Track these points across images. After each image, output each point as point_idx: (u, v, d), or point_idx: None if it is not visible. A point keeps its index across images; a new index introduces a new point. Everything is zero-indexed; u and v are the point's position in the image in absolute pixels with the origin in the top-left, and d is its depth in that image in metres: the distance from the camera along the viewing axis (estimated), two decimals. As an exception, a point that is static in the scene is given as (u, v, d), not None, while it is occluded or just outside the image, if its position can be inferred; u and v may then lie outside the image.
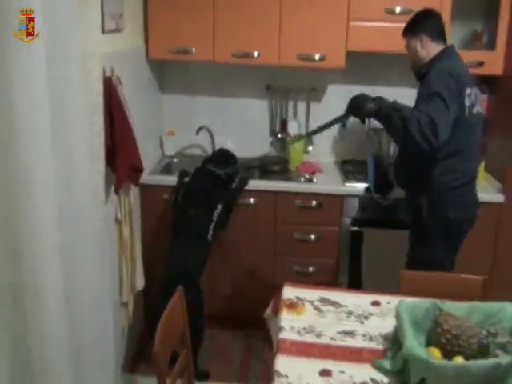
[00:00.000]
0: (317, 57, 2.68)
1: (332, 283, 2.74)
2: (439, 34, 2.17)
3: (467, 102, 2.07)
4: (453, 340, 1.44)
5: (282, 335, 1.59)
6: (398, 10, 2.59)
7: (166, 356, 1.47)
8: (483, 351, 1.43)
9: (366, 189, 2.66)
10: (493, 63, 2.66)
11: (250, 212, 2.73)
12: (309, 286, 1.91)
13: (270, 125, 3.14)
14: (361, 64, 2.94)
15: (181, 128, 3.13)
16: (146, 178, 2.65)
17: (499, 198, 2.64)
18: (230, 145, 3.09)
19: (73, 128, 1.65)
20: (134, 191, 2.46)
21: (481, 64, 2.65)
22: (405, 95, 2.96)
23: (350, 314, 1.74)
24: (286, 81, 3.05)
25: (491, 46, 2.69)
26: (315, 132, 2.64)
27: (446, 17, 2.55)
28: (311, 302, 1.79)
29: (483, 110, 2.21)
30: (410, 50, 2.23)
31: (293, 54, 2.69)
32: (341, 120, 2.43)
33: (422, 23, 2.17)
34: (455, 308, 1.56)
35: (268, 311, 1.93)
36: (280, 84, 3.05)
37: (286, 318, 1.69)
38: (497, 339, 1.44)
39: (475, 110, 2.14)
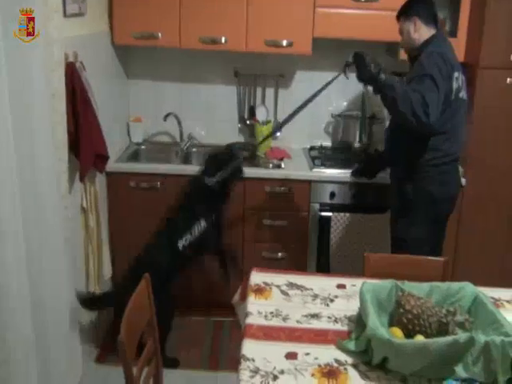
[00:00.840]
0: (284, 43, 2.68)
1: (301, 268, 2.77)
2: (432, 19, 2.21)
3: (454, 85, 2.13)
4: (414, 320, 1.48)
5: (249, 320, 1.60)
6: (363, -3, 2.58)
7: (132, 345, 1.47)
8: (443, 330, 1.48)
9: (354, 172, 2.69)
10: (455, 50, 2.68)
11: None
12: (276, 271, 1.92)
13: (239, 111, 3.13)
14: (328, 51, 2.95)
15: (148, 114, 3.09)
16: (112, 165, 2.61)
17: (461, 181, 2.67)
18: (197, 130, 3.07)
19: (34, 115, 1.61)
20: (101, 179, 2.43)
21: None
22: None
23: (315, 297, 1.77)
24: (254, 67, 3.04)
25: (453, 33, 2.73)
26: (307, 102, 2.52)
27: None
28: (278, 287, 1.81)
29: (467, 97, 2.27)
30: (403, 34, 2.27)
31: (260, 39, 2.67)
32: (334, 79, 2.42)
33: (416, 7, 2.21)
34: (416, 288, 1.60)
35: (236, 297, 1.94)
36: (248, 70, 3.04)
37: (254, 303, 1.70)
38: (455, 318, 1.49)
39: (461, 95, 2.19)
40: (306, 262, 2.85)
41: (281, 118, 3.09)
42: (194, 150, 3.10)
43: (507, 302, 1.81)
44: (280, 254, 2.81)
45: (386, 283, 1.61)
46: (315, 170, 2.77)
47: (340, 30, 2.66)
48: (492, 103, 2.67)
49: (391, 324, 1.55)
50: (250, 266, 2.71)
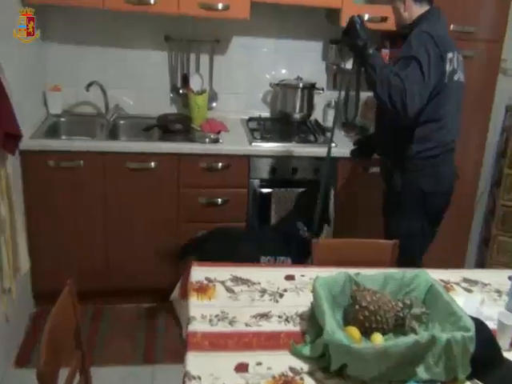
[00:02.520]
0: (220, 6, 2.39)
1: None
2: None
3: (448, 68, 1.92)
4: (371, 316, 1.37)
5: (193, 327, 1.39)
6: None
7: (55, 371, 1.20)
8: (400, 324, 1.40)
9: (351, 152, 2.42)
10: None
11: (149, 177, 2.45)
12: (219, 264, 1.71)
13: (171, 79, 2.81)
14: (267, 16, 2.71)
15: (68, 83, 2.69)
16: (27, 142, 2.23)
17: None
18: (125, 100, 2.71)
19: None
20: (13, 160, 2.05)
21: (384, 19, 2.56)
22: (311, 48, 2.85)
23: (263, 292, 1.59)
24: (186, 31, 2.72)
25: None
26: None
27: None
28: (223, 283, 1.60)
29: (464, 79, 2.04)
30: (394, 12, 2.08)
31: (194, 2, 2.36)
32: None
33: None
34: (370, 280, 1.49)
35: (175, 293, 1.71)
36: (180, 35, 2.71)
37: (196, 305, 1.49)
38: (412, 311, 1.41)
39: (456, 77, 1.98)
40: None
41: (216, 86, 2.84)
42: (121, 122, 2.75)
43: (456, 284, 1.75)
44: None
45: (340, 276, 1.47)
46: (254, 144, 2.55)
47: None
48: None
49: (346, 321, 1.43)
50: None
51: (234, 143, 2.54)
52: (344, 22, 2.43)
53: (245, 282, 1.62)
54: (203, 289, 1.55)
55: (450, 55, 1.92)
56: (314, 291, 1.41)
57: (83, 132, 2.62)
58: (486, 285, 1.76)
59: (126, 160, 2.38)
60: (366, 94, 2.98)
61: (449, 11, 2.28)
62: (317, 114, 2.94)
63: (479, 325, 1.35)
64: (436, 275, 1.65)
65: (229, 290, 1.57)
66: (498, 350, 1.40)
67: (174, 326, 2.43)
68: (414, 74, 1.81)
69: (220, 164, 2.48)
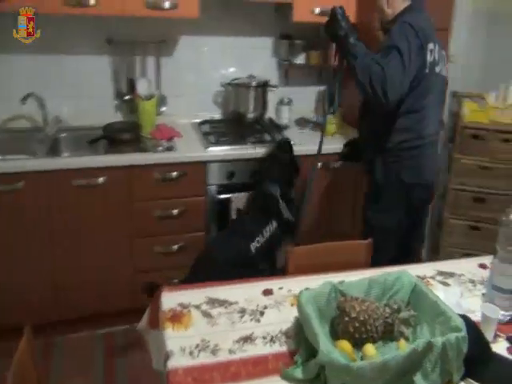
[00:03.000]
0: (167, 5, 2.25)
1: None
2: None
3: (429, 58, 1.94)
4: (361, 327, 1.32)
5: (172, 363, 1.26)
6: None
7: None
8: (388, 330, 1.36)
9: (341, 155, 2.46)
10: (347, 11, 2.49)
11: (98, 194, 2.28)
12: (191, 286, 1.58)
13: (115, 85, 2.63)
14: (215, 12, 2.60)
15: (-1, 96, 2.44)
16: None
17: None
18: (65, 111, 2.50)
19: None
20: None
21: None
22: (262, 45, 2.81)
23: (243, 312, 1.49)
24: (130, 33, 2.56)
25: None
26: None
27: None
28: (198, 307, 1.48)
29: (447, 73, 2.05)
30: (377, 8, 2.09)
31: (139, 1, 2.21)
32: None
33: None
34: (355, 287, 1.44)
35: (143, 323, 1.57)
36: (123, 36, 2.55)
37: (173, 337, 1.36)
38: (400, 315, 1.37)
39: (437, 70, 1.99)
40: None
41: (165, 89, 2.69)
42: (62, 135, 2.53)
43: (432, 278, 1.73)
44: (175, 247, 2.48)
45: (324, 287, 1.40)
46: (211, 149, 2.44)
47: None
48: None
49: (335, 333, 1.36)
50: (143, 264, 2.42)
51: (189, 149, 2.42)
52: (296, 17, 2.42)
53: (222, 303, 1.51)
54: (178, 317, 1.43)
55: (430, 46, 1.95)
56: (299, 308, 1.33)
57: (20, 150, 2.36)
58: (459, 275, 1.77)
59: (71, 177, 2.20)
60: (316, 88, 2.96)
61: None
62: (270, 112, 2.86)
63: (466, 321, 1.32)
64: (411, 271, 1.62)
65: (206, 314, 1.45)
66: (487, 345, 1.39)
67: (137, 353, 2.28)
68: (395, 62, 1.83)
69: (175, 173, 2.35)
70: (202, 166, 2.40)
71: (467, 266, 1.82)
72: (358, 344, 1.32)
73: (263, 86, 2.68)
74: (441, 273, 1.77)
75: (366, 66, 1.85)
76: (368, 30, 2.47)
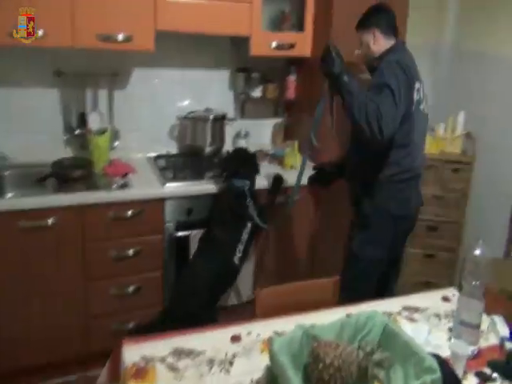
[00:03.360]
0: (120, 37, 2.19)
1: (157, 298, 2.43)
2: (391, 30, 2.13)
3: (415, 97, 2.02)
4: (336, 373, 1.27)
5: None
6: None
7: None
8: (363, 374, 1.31)
9: (309, 178, 2.48)
10: (302, 45, 2.61)
11: (48, 236, 2.15)
12: (154, 337, 1.49)
13: (64, 119, 2.52)
14: (169, 44, 2.55)
15: None
16: None
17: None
18: (10, 148, 2.37)
19: None
20: None
21: (292, 46, 2.58)
22: (218, 78, 2.80)
23: (211, 363, 1.42)
24: (80, 65, 2.47)
25: (299, 27, 2.62)
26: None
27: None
28: (163, 360, 1.40)
29: (428, 110, 2.15)
30: (362, 45, 2.17)
31: (90, 33, 2.14)
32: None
33: (375, 18, 2.12)
34: (327, 330, 1.40)
35: (101, 378, 1.46)
36: (74, 69, 2.46)
37: (137, 396, 1.25)
38: (373, 357, 1.33)
39: (421, 107, 2.08)
40: (163, 290, 2.47)
41: (118, 123, 2.61)
42: (7, 173, 2.38)
43: (398, 314, 1.74)
44: (131, 288, 2.37)
45: (296, 333, 1.36)
46: (168, 185, 2.37)
47: (184, 23, 2.30)
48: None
49: (307, 380, 1.31)
50: (97, 309, 2.30)
51: (145, 186, 2.34)
52: (254, 51, 2.44)
53: (188, 353, 1.43)
54: (141, 373, 1.33)
55: (417, 85, 2.04)
56: (272, 357, 1.27)
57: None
58: (424, 310, 1.78)
59: (17, 219, 2.06)
60: (273, 121, 2.98)
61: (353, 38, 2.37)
62: (227, 145, 2.83)
63: (438, 361, 1.32)
64: (377, 307, 1.66)
65: (171, 368, 1.37)
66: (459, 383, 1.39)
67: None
68: (387, 100, 1.89)
69: (130, 211, 2.26)
70: (159, 203, 2.33)
71: (431, 300, 1.84)
72: (331, 390, 1.28)
73: (220, 119, 2.66)
74: (406, 308, 1.78)
75: (362, 104, 1.88)
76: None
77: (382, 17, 2.13)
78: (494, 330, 1.64)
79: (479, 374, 1.48)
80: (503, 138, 2.89)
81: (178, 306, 2.17)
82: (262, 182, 2.50)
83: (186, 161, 2.69)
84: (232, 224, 2.26)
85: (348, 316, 1.63)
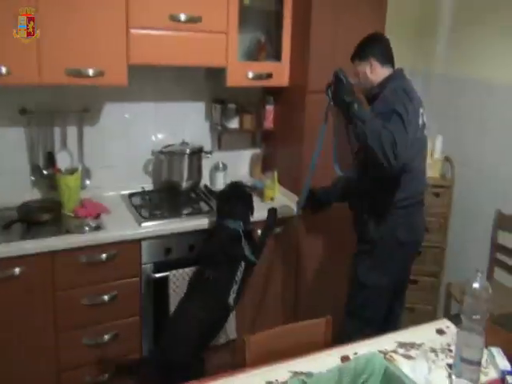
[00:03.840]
0: (91, 72, 2.11)
1: (134, 345, 2.33)
2: (388, 59, 2.16)
3: (420, 122, 2.06)
4: None
5: None
6: (182, 17, 2.23)
7: None
8: None
9: (297, 203, 2.46)
10: (279, 74, 2.60)
11: (14, 287, 2.01)
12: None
13: (31, 159, 2.40)
14: (142, 77, 2.50)
15: None
16: None
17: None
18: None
19: None
20: None
21: (269, 76, 2.56)
22: (193, 110, 2.75)
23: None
24: (48, 101, 2.37)
25: (276, 56, 2.61)
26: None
27: (232, 28, 2.34)
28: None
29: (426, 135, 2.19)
30: (360, 75, 2.19)
31: (59, 68, 2.06)
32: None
33: (371, 48, 2.15)
34: (324, 380, 1.33)
35: None
36: (40, 106, 2.35)
37: None
38: None
39: (425, 132, 2.13)
40: (141, 337, 2.35)
41: (88, 161, 2.51)
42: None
43: (394, 352, 1.67)
44: (107, 337, 2.24)
45: None
46: (145, 224, 2.28)
47: (158, 56, 2.24)
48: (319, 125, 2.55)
49: None
50: (69, 360, 2.18)
51: (120, 227, 2.23)
52: (230, 81, 2.41)
53: None
54: None
55: (421, 110, 2.07)
56: None
57: None
58: (420, 345, 1.74)
59: (-21, 270, 1.93)
60: (251, 152, 2.93)
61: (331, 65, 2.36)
62: (204, 179, 2.76)
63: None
64: (371, 346, 1.65)
65: None
66: None
67: None
68: (398, 126, 1.89)
69: (105, 255, 2.15)
70: (135, 244, 2.22)
71: (425, 334, 1.80)
72: None
73: (197, 153, 2.60)
74: (401, 344, 1.73)
75: (376, 131, 1.88)
76: (299, 91, 2.54)
77: (377, 46, 2.16)
78: (492, 363, 1.60)
79: None
80: (480, 161, 2.92)
81: (166, 353, 2.06)
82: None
83: (163, 197, 2.60)
84: (226, 265, 2.17)
85: (344, 359, 1.59)
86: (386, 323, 2.25)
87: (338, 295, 2.34)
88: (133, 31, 2.15)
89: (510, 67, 2.70)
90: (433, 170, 3.06)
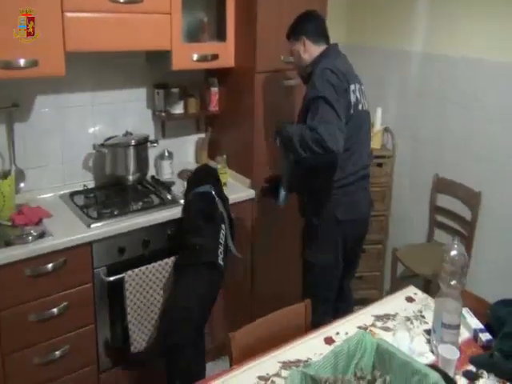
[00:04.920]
0: (22, 63, 1.91)
1: (90, 356, 2.22)
2: (321, 36, 2.17)
3: (352, 99, 2.07)
4: None
5: None
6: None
7: None
8: None
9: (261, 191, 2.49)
10: (225, 55, 2.53)
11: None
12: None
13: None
14: (77, 65, 2.31)
15: None
16: None
17: (252, 193, 2.61)
18: None
19: None
20: None
21: (215, 57, 2.48)
22: (134, 97, 2.62)
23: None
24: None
25: (221, 37, 2.53)
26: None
27: (175, 8, 2.25)
28: None
29: (368, 106, 2.21)
30: (294, 54, 2.22)
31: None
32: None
33: (303, 26, 2.15)
34: (322, 366, 1.35)
35: None
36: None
37: None
38: None
39: (360, 107, 2.13)
40: (96, 348, 2.23)
41: (21, 162, 2.32)
42: None
43: (372, 326, 1.75)
44: (58, 353, 2.10)
45: (294, 378, 1.28)
46: (95, 225, 2.14)
47: (97, 41, 2.09)
48: (270, 106, 2.58)
49: None
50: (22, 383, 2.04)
51: (67, 231, 2.08)
52: (175, 65, 2.33)
53: None
54: None
55: (352, 87, 2.08)
56: None
57: None
58: (394, 316, 1.81)
59: None
60: (195, 137, 2.84)
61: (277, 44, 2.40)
62: (150, 170, 2.63)
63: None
64: (349, 323, 1.75)
65: None
66: None
67: None
68: (327, 113, 1.93)
69: (51, 264, 1.99)
70: (85, 248, 2.09)
71: (396, 304, 1.89)
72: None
73: (143, 143, 2.47)
74: (378, 318, 1.81)
75: (302, 140, 1.93)
76: (246, 72, 2.50)
77: (310, 24, 2.16)
78: (463, 324, 1.67)
79: (466, 374, 1.53)
80: (417, 130, 3.05)
81: (170, 336, 2.07)
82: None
83: (109, 194, 2.45)
84: (208, 229, 2.22)
85: (328, 340, 1.65)
86: (340, 301, 2.36)
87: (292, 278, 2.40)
88: (68, 15, 1.98)
89: (443, 38, 2.81)
90: (374, 142, 3.14)
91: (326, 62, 2.06)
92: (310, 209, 2.21)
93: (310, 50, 2.14)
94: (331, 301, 2.29)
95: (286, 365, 1.52)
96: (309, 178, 2.17)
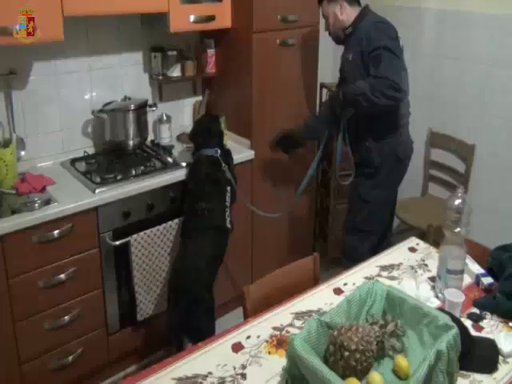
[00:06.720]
0: (17, 29, 1.88)
1: (98, 319, 2.26)
2: None
3: (401, 44, 2.24)
4: (361, 357, 1.29)
5: None
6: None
7: None
8: (380, 348, 1.37)
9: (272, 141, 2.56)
10: (222, 16, 2.52)
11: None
12: (150, 372, 1.35)
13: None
14: (73, 31, 2.29)
15: None
16: None
17: (251, 154, 2.63)
18: None
19: None
20: None
21: (212, 18, 2.47)
22: (131, 61, 2.59)
23: (222, 380, 1.32)
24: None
25: None
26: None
27: None
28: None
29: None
30: (329, 17, 2.35)
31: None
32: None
33: None
34: (337, 314, 1.41)
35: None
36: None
37: None
38: (387, 329, 1.38)
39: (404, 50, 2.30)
40: (104, 312, 2.28)
41: (21, 130, 2.33)
42: None
43: (378, 276, 1.81)
44: (67, 318, 2.14)
45: (311, 325, 1.34)
46: (99, 190, 2.16)
47: (95, 4, 2.06)
48: (268, 66, 2.58)
49: (333, 369, 1.26)
50: (31, 349, 2.09)
51: (73, 197, 2.09)
52: (173, 27, 2.33)
53: (193, 380, 1.32)
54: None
55: (401, 41, 2.25)
56: (300, 358, 1.22)
57: None
58: (398, 266, 1.88)
59: None
60: (193, 100, 2.84)
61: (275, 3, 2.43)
62: (149, 135, 2.65)
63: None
64: (357, 274, 1.81)
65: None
66: (467, 332, 1.47)
67: None
68: (391, 62, 2.08)
69: (58, 230, 2.02)
70: (90, 213, 2.11)
71: (400, 254, 1.96)
72: (361, 375, 1.29)
73: (143, 108, 2.48)
74: (382, 268, 1.87)
75: (373, 89, 2.05)
76: (244, 32, 2.49)
77: None
78: (466, 270, 1.74)
79: (471, 316, 1.60)
80: (413, 86, 2.97)
81: (181, 296, 2.10)
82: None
83: (110, 159, 2.46)
84: (216, 193, 2.30)
85: (336, 291, 1.70)
86: (383, 236, 2.58)
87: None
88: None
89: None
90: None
91: (372, 18, 2.23)
92: (372, 151, 2.35)
93: (347, 12, 2.29)
94: (376, 236, 2.49)
95: (299, 315, 1.58)
96: (373, 126, 2.33)
